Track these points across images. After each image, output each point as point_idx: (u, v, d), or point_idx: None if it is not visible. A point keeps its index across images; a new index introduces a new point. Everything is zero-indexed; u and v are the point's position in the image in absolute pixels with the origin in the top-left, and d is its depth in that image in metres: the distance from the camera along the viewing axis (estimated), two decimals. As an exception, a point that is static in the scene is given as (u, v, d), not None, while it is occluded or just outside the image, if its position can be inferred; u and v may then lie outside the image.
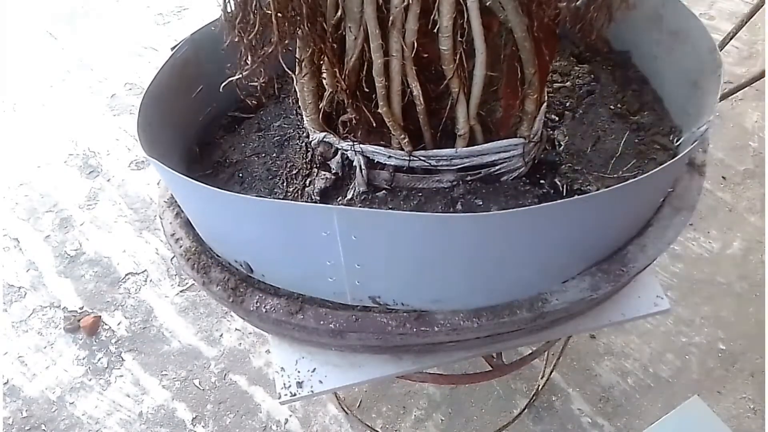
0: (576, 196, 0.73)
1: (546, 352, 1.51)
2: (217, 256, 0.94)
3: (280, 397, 1.01)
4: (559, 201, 0.71)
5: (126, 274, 2.05)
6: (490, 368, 1.13)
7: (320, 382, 1.02)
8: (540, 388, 1.56)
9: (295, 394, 1.01)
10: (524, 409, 1.62)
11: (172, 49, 0.99)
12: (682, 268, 1.98)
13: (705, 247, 2.05)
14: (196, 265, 0.93)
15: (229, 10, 0.72)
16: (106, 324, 1.94)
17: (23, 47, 2.82)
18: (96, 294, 2.01)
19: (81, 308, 1.98)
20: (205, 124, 1.12)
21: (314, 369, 1.03)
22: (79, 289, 2.03)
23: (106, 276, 2.06)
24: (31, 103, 2.64)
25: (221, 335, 1.88)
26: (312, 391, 1.01)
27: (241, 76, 0.73)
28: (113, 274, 2.06)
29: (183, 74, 1.02)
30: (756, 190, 2.23)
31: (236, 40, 0.73)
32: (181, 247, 0.95)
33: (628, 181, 0.73)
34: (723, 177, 2.26)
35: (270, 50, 0.70)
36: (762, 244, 2.07)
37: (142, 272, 2.05)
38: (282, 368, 1.03)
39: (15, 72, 2.73)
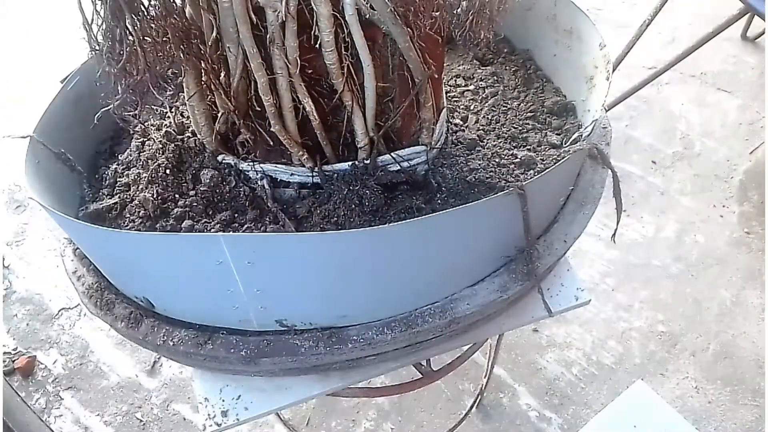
0: (448, 209, 0.73)
1: (489, 350, 1.51)
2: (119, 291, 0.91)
3: (204, 429, 0.98)
4: (435, 214, 0.72)
5: (59, 310, 1.99)
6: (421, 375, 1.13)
7: (246, 409, 1.00)
8: (483, 387, 1.57)
9: (220, 424, 0.98)
10: (471, 409, 1.63)
11: (62, 81, 0.95)
12: (618, 255, 2.02)
13: (639, 232, 2.10)
14: (98, 303, 0.90)
15: (95, 40, 0.69)
16: (41, 363, 1.87)
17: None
18: (29, 333, 1.94)
19: (15, 349, 1.91)
20: (104, 155, 1.08)
21: (239, 396, 1.01)
22: (12, 329, 1.96)
23: (39, 313, 1.98)
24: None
25: (161, 365, 1.83)
26: (238, 420, 0.99)
27: (113, 107, 0.71)
28: (46, 311, 1.99)
29: (77, 108, 0.98)
30: (686, 171, 2.29)
31: (106, 70, 0.70)
32: (83, 284, 0.92)
33: (476, 202, 0.74)
34: (653, 161, 2.31)
35: (139, 78, 0.68)
36: (694, 224, 2.12)
37: (76, 306, 1.98)
38: (206, 399, 1.00)
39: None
